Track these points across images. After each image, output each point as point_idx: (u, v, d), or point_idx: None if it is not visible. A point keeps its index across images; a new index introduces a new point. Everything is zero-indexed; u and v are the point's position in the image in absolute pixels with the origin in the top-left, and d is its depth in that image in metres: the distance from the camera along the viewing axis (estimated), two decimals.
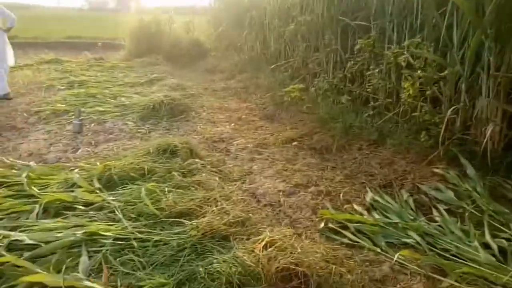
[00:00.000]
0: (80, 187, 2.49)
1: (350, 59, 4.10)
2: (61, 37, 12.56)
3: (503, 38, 2.53)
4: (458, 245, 1.92)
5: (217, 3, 10.25)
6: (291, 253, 1.59)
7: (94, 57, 8.94)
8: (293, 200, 2.50)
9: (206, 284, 1.55)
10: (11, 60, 5.15)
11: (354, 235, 2.06)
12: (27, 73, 6.58)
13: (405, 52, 3.11)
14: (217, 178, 2.52)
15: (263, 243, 1.66)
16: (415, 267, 1.80)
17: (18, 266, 1.70)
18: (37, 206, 2.21)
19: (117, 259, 1.79)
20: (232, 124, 4.28)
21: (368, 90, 3.66)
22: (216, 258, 1.65)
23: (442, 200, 2.34)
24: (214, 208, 2.01)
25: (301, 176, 2.85)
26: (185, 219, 2.02)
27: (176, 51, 8.68)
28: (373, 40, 3.62)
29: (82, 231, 1.92)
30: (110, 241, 1.87)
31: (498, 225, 2.06)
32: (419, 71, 2.86)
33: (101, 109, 4.65)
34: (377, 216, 2.23)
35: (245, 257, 1.57)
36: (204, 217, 1.97)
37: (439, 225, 2.10)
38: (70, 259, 1.76)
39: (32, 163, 2.88)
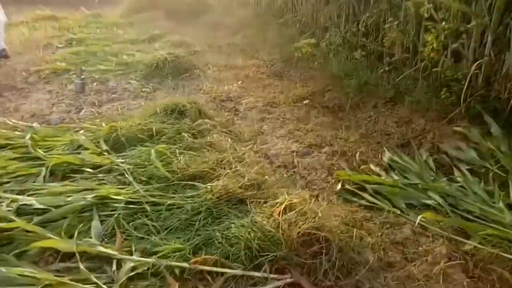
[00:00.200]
0: (86, 149, 2.40)
1: (364, 11, 3.84)
2: None
3: None
4: (482, 206, 1.85)
5: None
6: (311, 217, 1.52)
7: (91, 13, 8.55)
8: (307, 161, 2.41)
9: (224, 249, 1.49)
10: (2, 16, 4.89)
11: (373, 196, 1.99)
12: (22, 30, 6.31)
13: (426, 3, 2.87)
14: (229, 139, 2.42)
15: (282, 207, 1.58)
16: (437, 229, 1.74)
17: (29, 231, 1.65)
18: (44, 169, 2.14)
19: (130, 224, 1.73)
20: (240, 82, 4.12)
21: (384, 44, 3.45)
22: (233, 223, 1.59)
23: (463, 160, 2.24)
24: (229, 171, 1.92)
25: (314, 136, 2.75)
26: (198, 182, 1.94)
27: (178, 6, 8.26)
28: None
29: (92, 195, 1.85)
30: (122, 205, 1.81)
31: None
32: (443, 23, 2.65)
33: (102, 67, 4.48)
34: (395, 177, 2.15)
35: (264, 222, 1.50)
36: (218, 180, 1.89)
37: (461, 186, 2.02)
38: (81, 224, 1.71)
39: (35, 124, 2.78)
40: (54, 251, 1.59)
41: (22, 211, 1.81)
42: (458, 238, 1.68)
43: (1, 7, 4.93)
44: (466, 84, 2.55)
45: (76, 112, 3.16)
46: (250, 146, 2.53)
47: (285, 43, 4.96)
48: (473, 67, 2.56)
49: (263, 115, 3.22)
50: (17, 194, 1.97)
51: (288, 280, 1.39)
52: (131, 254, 1.55)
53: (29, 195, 1.92)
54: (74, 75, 3.86)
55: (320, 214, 1.54)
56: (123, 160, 2.23)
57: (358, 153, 2.45)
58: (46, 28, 6.69)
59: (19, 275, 1.42)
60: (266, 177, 1.92)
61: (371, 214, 1.86)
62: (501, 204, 1.83)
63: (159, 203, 1.83)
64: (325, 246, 1.48)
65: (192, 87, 3.93)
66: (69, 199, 1.84)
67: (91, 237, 1.64)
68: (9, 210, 1.78)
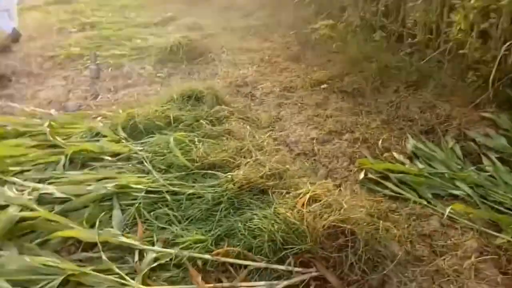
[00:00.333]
0: (104, 136, 2.39)
1: None
2: None
3: None
4: None
5: None
6: (336, 209, 1.47)
7: None
8: (328, 149, 2.35)
9: (246, 241, 1.47)
10: None
11: (397, 186, 1.93)
12: (35, 15, 6.29)
13: None
14: (248, 127, 2.37)
15: (305, 198, 1.54)
16: (466, 221, 1.68)
17: (51, 220, 1.65)
18: (63, 157, 2.14)
19: (151, 213, 1.72)
20: (255, 66, 4.02)
21: (405, 25, 3.31)
22: (256, 214, 1.56)
23: (492, 147, 2.15)
24: (249, 160, 1.88)
25: (334, 122, 2.68)
26: (218, 171, 1.91)
27: None
28: None
29: (112, 184, 1.84)
30: (142, 194, 1.80)
31: None
32: (472, 1, 2.51)
33: (116, 52, 4.43)
34: (420, 166, 2.08)
35: (287, 213, 1.46)
36: (238, 169, 1.85)
37: (491, 175, 1.94)
38: (102, 213, 1.70)
39: (53, 111, 2.78)
40: (76, 240, 1.59)
41: (43, 200, 1.81)
42: (489, 231, 1.62)
43: None
44: (495, 66, 2.44)
45: (93, 98, 3.14)
46: (268, 133, 2.48)
47: (301, 25, 4.83)
48: (503, 48, 2.44)
49: (280, 100, 3.15)
50: (37, 182, 1.97)
51: (313, 274, 1.36)
52: (153, 245, 1.54)
53: (49, 184, 1.92)
54: (89, 61, 3.84)
55: (345, 206, 1.49)
56: (141, 148, 2.20)
57: (380, 140, 2.37)
58: (59, 12, 6.65)
59: (43, 264, 1.42)
60: (287, 166, 1.88)
61: (396, 204, 1.81)
62: None
63: (179, 192, 1.81)
64: (351, 239, 1.43)
65: (207, 72, 3.87)
66: (89, 188, 1.83)
67: (112, 227, 1.64)
68: (30, 199, 1.78)
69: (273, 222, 1.47)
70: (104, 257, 1.45)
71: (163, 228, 1.63)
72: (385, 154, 2.23)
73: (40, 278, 1.39)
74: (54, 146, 2.32)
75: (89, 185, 1.87)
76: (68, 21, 5.93)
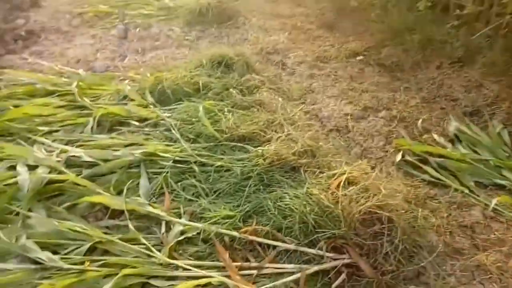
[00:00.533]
0: (132, 100, 2.34)
1: None
2: None
3: None
4: None
5: None
6: (374, 194, 1.38)
7: None
8: (362, 126, 2.23)
9: (276, 221, 1.41)
10: None
11: (436, 171, 1.81)
12: None
13: None
14: (280, 99, 2.26)
15: (341, 179, 1.45)
16: None
17: (78, 184, 1.64)
18: (91, 119, 2.11)
19: (178, 184, 1.68)
20: (287, 33, 3.84)
21: None
22: (287, 193, 1.49)
23: None
24: (281, 134, 1.79)
25: (370, 98, 2.53)
26: (248, 144, 1.83)
27: None
28: None
29: (140, 151, 1.80)
30: (170, 163, 1.75)
31: None
32: None
33: (144, 12, 4.31)
34: (463, 150, 1.94)
35: (322, 195, 1.38)
36: (269, 143, 1.77)
37: None
38: (130, 180, 1.67)
39: (81, 71, 2.73)
40: (103, 206, 1.58)
41: (71, 163, 1.80)
42: None
43: None
44: None
45: (120, 59, 3.08)
46: (300, 106, 2.37)
47: None
48: None
49: (312, 71, 3.00)
50: (65, 144, 1.96)
51: (346, 261, 1.30)
52: (180, 217, 1.51)
53: (77, 146, 1.90)
54: (117, 19, 3.74)
55: (383, 191, 1.40)
56: (169, 115, 2.15)
57: (419, 120, 2.22)
58: None
59: (70, 229, 1.42)
60: (321, 143, 1.78)
61: (435, 191, 1.70)
62: None
63: (207, 163, 1.75)
64: (387, 226, 1.35)
65: (237, 37, 3.71)
66: (116, 153, 1.80)
67: (139, 195, 1.61)
68: (58, 161, 1.77)
69: (305, 203, 1.39)
70: (130, 226, 1.43)
71: (190, 200, 1.59)
72: (425, 136, 2.10)
73: (68, 243, 1.39)
74: (82, 107, 2.29)
75: (117, 150, 1.84)
76: None
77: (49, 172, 1.70)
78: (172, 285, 1.25)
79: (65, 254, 1.35)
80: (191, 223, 1.45)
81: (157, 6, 4.50)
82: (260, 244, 1.38)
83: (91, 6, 4.34)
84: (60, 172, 1.71)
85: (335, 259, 1.30)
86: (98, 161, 1.77)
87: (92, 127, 2.06)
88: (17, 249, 1.34)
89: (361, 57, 3.17)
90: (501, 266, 1.32)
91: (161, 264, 1.31)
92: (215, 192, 1.61)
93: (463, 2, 3.04)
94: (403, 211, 1.42)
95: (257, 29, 3.93)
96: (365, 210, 1.33)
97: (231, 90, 2.27)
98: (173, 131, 1.98)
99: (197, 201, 1.57)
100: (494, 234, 1.47)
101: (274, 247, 1.36)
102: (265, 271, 1.30)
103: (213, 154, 1.80)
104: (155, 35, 3.68)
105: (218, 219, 1.45)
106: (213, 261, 1.34)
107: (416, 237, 1.39)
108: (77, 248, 1.36)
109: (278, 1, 5.02)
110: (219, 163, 1.72)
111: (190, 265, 1.31)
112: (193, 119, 2.03)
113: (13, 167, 1.76)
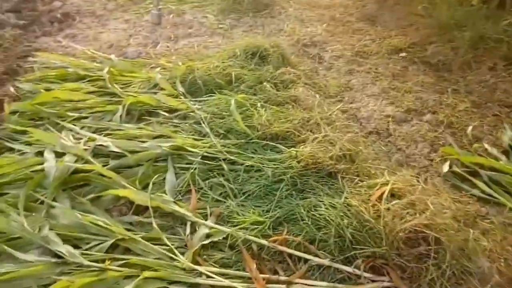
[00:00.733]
0: (162, 89, 2.27)
1: None
2: None
3: None
4: None
5: None
6: (421, 210, 1.24)
7: None
8: (405, 130, 2.06)
9: (309, 231, 1.30)
10: None
11: (488, 186, 1.64)
12: None
13: None
14: (317, 96, 2.12)
15: (384, 191, 1.32)
16: None
17: (104, 176, 1.58)
18: (120, 107, 2.05)
19: (206, 182, 1.59)
20: (325, 25, 3.65)
21: None
22: (322, 201, 1.37)
23: None
24: (317, 135, 1.66)
25: (413, 99, 2.35)
26: (281, 144, 1.72)
27: None
28: None
29: (168, 144, 1.72)
30: (198, 159, 1.67)
31: None
32: None
33: None
34: None
35: (361, 208, 1.25)
36: (304, 144, 1.65)
37: None
38: (156, 174, 1.60)
39: (113, 57, 2.69)
40: (128, 201, 1.52)
41: (98, 152, 1.75)
42: None
43: None
44: None
45: (153, 46, 3.01)
46: (339, 104, 2.22)
47: None
48: None
49: (351, 66, 2.82)
50: (93, 131, 1.92)
51: (385, 284, 1.17)
52: (206, 218, 1.42)
53: (105, 135, 1.85)
54: (151, 5, 3.68)
55: (431, 207, 1.25)
56: (199, 107, 2.06)
57: (469, 127, 2.03)
58: None
59: (93, 223, 1.36)
60: (361, 148, 1.64)
61: (487, 209, 1.53)
62: None
63: (237, 162, 1.66)
64: (434, 248, 1.21)
65: (272, 27, 3.57)
66: (144, 145, 1.73)
67: (165, 192, 1.53)
68: (86, 149, 1.72)
69: (342, 214, 1.27)
70: (154, 224, 1.35)
71: (218, 201, 1.50)
72: (475, 145, 1.91)
73: (90, 237, 1.34)
74: (112, 94, 2.24)
75: (144, 141, 1.77)
76: None
77: (76, 161, 1.66)
78: None
79: (86, 249, 1.29)
80: (217, 226, 1.36)
81: None
82: (290, 256, 1.27)
83: None
84: (87, 162, 1.66)
85: (373, 281, 1.18)
86: (125, 152, 1.71)
87: (121, 116, 2.00)
88: (39, 240, 1.29)
89: (404, 54, 2.96)
90: None
91: (184, 269, 1.23)
92: (243, 193, 1.52)
93: None
94: (452, 232, 1.27)
95: (294, 20, 3.76)
96: (410, 228, 1.19)
97: (265, 83, 2.15)
98: (202, 124, 1.89)
99: (224, 202, 1.48)
100: None
101: (306, 260, 1.25)
102: (294, 286, 1.19)
103: (243, 152, 1.70)
104: (189, 22, 3.60)
105: (247, 225, 1.35)
106: (238, 270, 1.25)
107: (465, 262, 1.24)
108: (98, 244, 1.30)
109: None
110: (249, 163, 1.61)
111: (214, 272, 1.22)
112: (224, 113, 1.93)
113: (40, 153, 1.73)
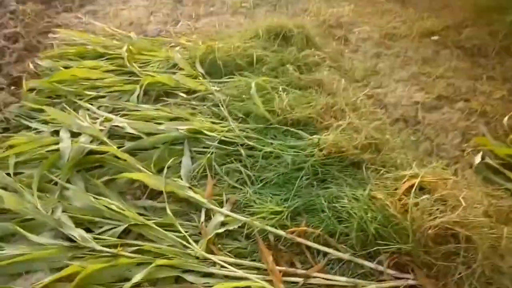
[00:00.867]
0: (181, 69, 2.21)
1: None
2: None
3: None
4: None
5: None
6: (452, 207, 1.15)
7: None
8: (434, 117, 1.93)
9: (329, 224, 1.23)
10: None
11: None
12: None
13: None
14: (342, 80, 2.01)
15: (411, 183, 1.23)
16: None
17: (119, 158, 1.55)
18: (138, 87, 2.00)
19: (222, 167, 1.54)
20: (352, 5, 3.47)
21: None
22: (344, 193, 1.29)
23: None
24: (341, 122, 1.57)
25: (445, 85, 2.20)
26: (302, 130, 1.63)
27: None
28: None
29: (185, 127, 1.66)
30: (215, 143, 1.61)
31: None
32: None
33: None
34: None
35: (387, 201, 1.17)
36: (327, 131, 1.56)
37: None
38: (172, 158, 1.55)
39: (132, 35, 2.63)
40: (142, 184, 1.48)
41: (114, 133, 1.71)
42: None
43: None
44: None
45: (173, 24, 2.94)
46: (364, 89, 2.10)
47: None
48: None
49: (379, 49, 2.67)
50: (110, 111, 1.88)
51: (410, 282, 1.10)
52: (222, 205, 1.37)
53: (122, 116, 1.81)
54: None
55: (463, 204, 1.16)
56: (218, 89, 1.99)
57: (506, 118, 1.89)
58: None
59: (107, 207, 1.33)
60: (388, 136, 1.54)
61: None
62: None
63: (255, 147, 1.59)
64: (464, 247, 1.12)
65: (297, 6, 3.42)
66: (161, 127, 1.69)
67: (180, 176, 1.49)
68: (101, 130, 1.69)
69: (366, 207, 1.19)
70: (168, 211, 1.31)
71: (234, 187, 1.44)
72: (511, 136, 1.77)
73: (103, 221, 1.31)
74: (130, 73, 2.20)
75: (161, 123, 1.72)
76: None
77: (91, 142, 1.63)
78: (208, 283, 1.13)
79: (99, 233, 1.27)
80: (233, 214, 1.31)
81: None
82: (308, 248, 1.21)
83: None
84: (102, 142, 1.63)
85: (397, 278, 1.11)
86: (141, 134, 1.67)
87: (138, 96, 1.96)
88: (52, 223, 1.27)
89: (436, 37, 2.78)
90: None
91: (197, 258, 1.19)
92: (261, 180, 1.45)
93: None
94: (484, 229, 1.18)
95: None
96: (440, 225, 1.11)
97: (287, 66, 2.05)
98: (221, 107, 1.82)
99: (241, 189, 1.42)
100: None
101: (325, 254, 1.18)
102: (312, 280, 1.13)
103: (262, 138, 1.62)
104: (210, 0, 3.49)
105: (264, 214, 1.29)
106: (253, 260, 1.20)
107: (497, 261, 1.15)
108: (111, 229, 1.27)
109: None
110: (268, 149, 1.54)
111: (229, 263, 1.17)
112: (244, 96, 1.86)
113: (56, 132, 1.71)
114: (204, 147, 1.62)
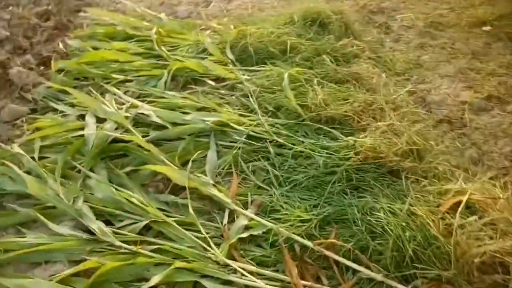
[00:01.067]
0: (211, 54, 2.11)
1: None
2: None
3: None
4: None
5: None
6: (504, 233, 1.02)
7: None
8: (483, 121, 1.76)
9: (362, 238, 1.13)
10: None
11: None
12: None
13: None
14: (383, 75, 1.86)
15: (457, 201, 1.10)
16: None
17: (143, 148, 1.50)
18: (166, 73, 1.94)
19: (249, 164, 1.45)
20: None
21: None
22: (380, 204, 1.18)
23: None
24: (380, 123, 1.44)
25: (496, 84, 2.00)
26: (337, 129, 1.52)
27: None
28: None
29: (212, 119, 1.59)
30: (242, 138, 1.52)
31: None
32: None
33: None
34: None
35: (428, 220, 1.06)
36: (364, 132, 1.44)
37: None
38: (197, 151, 1.48)
39: (162, 16, 2.55)
40: (166, 177, 1.42)
41: (139, 120, 1.66)
42: None
43: None
44: None
45: (205, 6, 2.83)
46: (405, 84, 1.94)
47: None
48: None
49: (423, 39, 2.47)
50: (137, 97, 1.83)
51: None
52: (246, 207, 1.30)
53: (148, 102, 1.76)
54: None
55: None
56: (248, 78, 1.89)
57: None
58: None
59: (128, 200, 1.29)
60: (432, 143, 1.40)
61: None
62: None
63: (285, 145, 1.49)
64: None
65: None
66: (187, 117, 1.62)
67: (204, 172, 1.42)
68: (127, 117, 1.64)
69: (404, 225, 1.08)
70: (191, 210, 1.25)
71: (260, 188, 1.36)
72: None
73: (123, 214, 1.27)
74: (159, 56, 2.13)
75: (188, 113, 1.65)
76: None
77: (116, 128, 1.59)
78: None
79: (119, 228, 1.23)
80: (258, 218, 1.23)
81: None
82: (337, 263, 1.12)
83: None
84: (127, 130, 1.58)
85: None
86: (167, 123, 1.60)
87: (165, 82, 1.89)
88: (73, 213, 1.25)
89: (488, 28, 2.53)
90: None
91: (217, 263, 1.13)
92: (290, 182, 1.36)
93: None
94: None
95: None
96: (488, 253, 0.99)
97: (324, 56, 1.91)
98: (250, 98, 1.73)
99: (267, 190, 1.34)
100: None
101: (355, 271, 1.09)
102: None
103: (293, 135, 1.52)
104: None
105: (290, 221, 1.20)
106: (277, 271, 1.12)
107: None
108: (131, 224, 1.23)
109: None
110: (298, 148, 1.44)
111: (250, 271, 1.10)
112: (275, 88, 1.75)
113: (82, 116, 1.68)
114: (231, 141, 1.54)
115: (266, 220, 1.23)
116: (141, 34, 2.29)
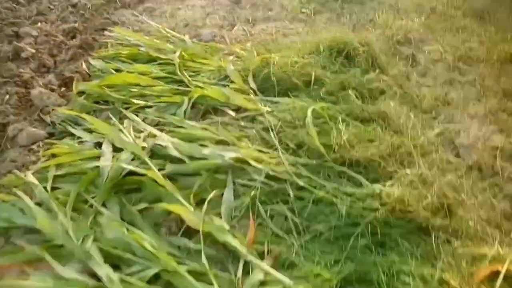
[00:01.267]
0: (232, 82, 2.07)
1: None
2: None
3: None
4: None
5: None
6: None
7: None
8: None
9: None
10: None
11: None
12: None
13: None
14: (411, 114, 1.78)
15: (493, 270, 1.01)
16: None
17: (158, 183, 1.45)
18: (186, 100, 1.90)
19: (267, 207, 1.39)
20: (423, 18, 3.16)
21: None
22: (408, 266, 1.09)
23: None
24: (408, 172, 1.36)
25: None
26: (361, 174, 1.44)
27: None
28: None
29: (230, 154, 1.53)
30: (261, 178, 1.46)
31: None
32: None
33: None
34: None
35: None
36: (391, 180, 1.36)
37: None
38: (214, 189, 1.43)
39: (186, 38, 2.53)
40: (179, 216, 1.37)
41: (156, 152, 1.62)
42: None
43: None
44: None
45: (229, 29, 2.81)
46: (432, 122, 1.86)
47: None
48: None
49: (452, 74, 2.38)
50: (156, 124, 1.80)
51: None
52: (262, 256, 1.22)
53: (166, 132, 1.72)
54: None
55: None
56: (270, 109, 1.83)
57: None
58: None
59: (139, 243, 1.23)
60: (464, 196, 1.31)
61: None
62: None
63: (306, 189, 1.42)
64: None
65: (361, 16, 3.16)
66: (205, 151, 1.56)
67: (220, 214, 1.36)
68: (144, 148, 1.60)
69: None
70: (204, 259, 1.18)
71: (277, 236, 1.29)
72: None
73: (132, 259, 1.21)
74: (180, 82, 2.10)
75: (206, 146, 1.60)
76: None
77: (132, 159, 1.54)
78: None
79: (127, 274, 1.17)
80: (275, 272, 1.16)
81: None
82: None
83: None
84: (143, 162, 1.54)
85: None
86: (184, 157, 1.55)
87: (185, 110, 1.85)
88: (81, 254, 1.19)
89: None
90: None
91: None
92: (309, 231, 1.28)
93: None
94: None
95: (387, 9, 3.31)
96: None
97: (349, 91, 1.84)
98: (271, 133, 1.67)
99: (286, 239, 1.27)
100: None
101: None
102: None
103: (315, 177, 1.45)
104: (269, 4, 3.32)
105: (309, 277, 1.12)
106: None
107: None
108: (140, 271, 1.17)
109: None
110: (320, 193, 1.37)
111: None
112: (297, 123, 1.69)
113: (99, 144, 1.65)
114: (249, 180, 1.48)
115: (283, 276, 1.15)
116: (164, 57, 2.27)
